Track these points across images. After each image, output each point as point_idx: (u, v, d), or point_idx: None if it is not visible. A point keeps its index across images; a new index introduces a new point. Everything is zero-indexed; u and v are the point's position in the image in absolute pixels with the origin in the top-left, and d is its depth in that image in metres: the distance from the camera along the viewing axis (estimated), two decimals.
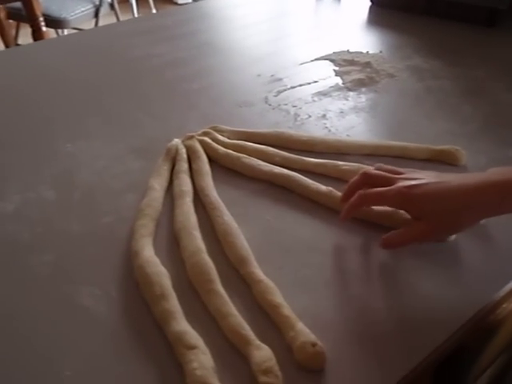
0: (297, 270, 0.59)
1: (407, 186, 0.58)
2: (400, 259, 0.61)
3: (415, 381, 0.50)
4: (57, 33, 2.99)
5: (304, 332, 0.50)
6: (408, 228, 0.60)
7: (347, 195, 0.63)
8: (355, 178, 0.63)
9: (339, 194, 0.68)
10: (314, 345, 0.49)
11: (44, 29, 2.38)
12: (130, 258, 0.60)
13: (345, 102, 0.95)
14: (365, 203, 0.62)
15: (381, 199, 0.61)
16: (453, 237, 0.63)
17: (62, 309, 0.55)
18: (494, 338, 0.58)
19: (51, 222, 0.67)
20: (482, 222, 0.64)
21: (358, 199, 0.61)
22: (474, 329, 0.55)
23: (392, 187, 0.59)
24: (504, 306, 0.57)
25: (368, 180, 0.63)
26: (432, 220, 0.57)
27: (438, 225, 0.58)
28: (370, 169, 0.65)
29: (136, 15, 3.53)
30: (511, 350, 0.54)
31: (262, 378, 0.46)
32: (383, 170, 0.63)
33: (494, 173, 0.56)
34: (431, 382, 0.61)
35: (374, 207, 0.65)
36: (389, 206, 0.63)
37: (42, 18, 2.35)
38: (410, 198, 0.58)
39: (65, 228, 0.66)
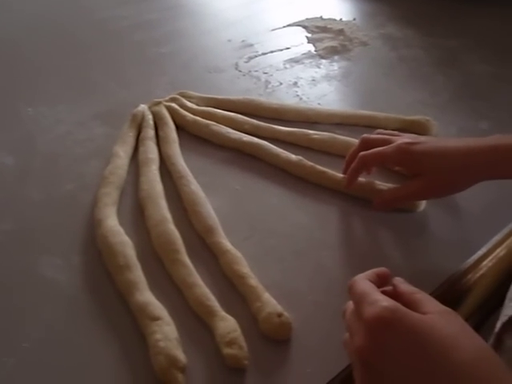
0: (264, 240, 0.58)
1: (407, 142, 0.58)
2: (369, 230, 0.61)
3: None
4: None
5: (270, 302, 0.50)
6: (404, 184, 0.60)
7: (348, 164, 0.63)
8: (354, 163, 0.62)
9: (309, 163, 0.67)
10: (279, 315, 0.48)
11: None
12: (93, 227, 0.58)
13: (317, 69, 0.94)
14: (365, 164, 0.61)
15: (380, 157, 0.60)
16: (422, 206, 0.63)
17: (22, 279, 0.54)
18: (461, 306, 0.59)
19: (10, 189, 0.65)
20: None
21: (359, 161, 0.60)
22: (442, 298, 0.55)
23: (391, 144, 0.59)
24: (469, 276, 0.57)
25: (367, 145, 0.62)
26: (429, 177, 0.57)
27: (435, 182, 0.57)
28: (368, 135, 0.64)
29: None
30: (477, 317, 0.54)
31: (226, 350, 0.46)
32: (383, 134, 0.63)
33: (494, 138, 0.55)
34: None
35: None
36: (388, 163, 0.64)
37: None
38: (409, 153, 0.57)
39: (24, 195, 0.64)
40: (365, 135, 0.63)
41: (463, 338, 0.35)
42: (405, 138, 0.60)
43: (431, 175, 0.57)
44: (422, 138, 0.59)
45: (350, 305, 0.42)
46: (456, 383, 0.33)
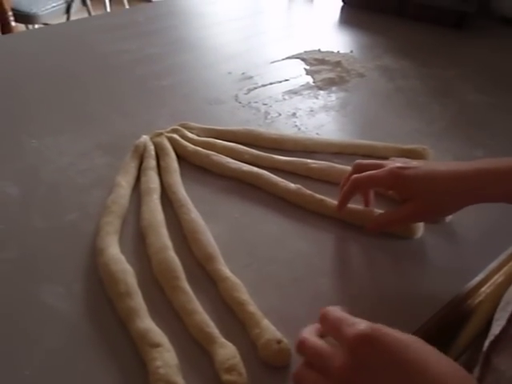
0: (263, 267, 0.59)
1: (398, 167, 0.59)
2: (367, 257, 0.62)
3: None
4: (27, 28, 2.93)
5: (269, 329, 0.50)
6: (396, 209, 0.61)
7: (342, 203, 0.64)
8: (346, 186, 0.63)
9: (308, 192, 0.68)
10: (279, 342, 0.49)
11: (13, 24, 2.33)
12: (95, 255, 0.59)
13: (315, 100, 0.96)
14: (357, 187, 0.62)
15: (372, 180, 0.61)
16: (420, 233, 0.64)
17: (24, 307, 0.54)
18: (463, 330, 0.59)
19: (14, 218, 0.66)
20: (448, 219, 0.66)
21: (351, 184, 0.61)
22: (440, 324, 0.56)
23: (383, 168, 0.60)
24: (468, 302, 0.58)
25: (360, 169, 0.63)
26: (420, 201, 0.58)
27: (426, 206, 0.58)
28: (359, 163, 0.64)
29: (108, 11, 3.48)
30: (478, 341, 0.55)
31: (225, 376, 0.46)
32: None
33: (481, 161, 0.57)
34: None
35: (348, 205, 0.65)
36: (380, 186, 0.64)
37: (11, 13, 2.30)
38: (401, 177, 0.58)
39: (28, 224, 0.65)
40: (358, 161, 0.64)
41: (435, 356, 0.38)
42: (396, 163, 0.61)
43: (421, 199, 0.58)
44: (413, 163, 0.60)
45: (310, 338, 0.43)
46: None
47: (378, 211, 0.65)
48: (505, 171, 0.54)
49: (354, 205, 0.65)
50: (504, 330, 0.48)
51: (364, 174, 0.61)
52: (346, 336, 0.39)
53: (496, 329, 0.49)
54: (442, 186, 0.57)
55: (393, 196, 0.68)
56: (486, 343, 0.49)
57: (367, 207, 0.65)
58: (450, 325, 0.57)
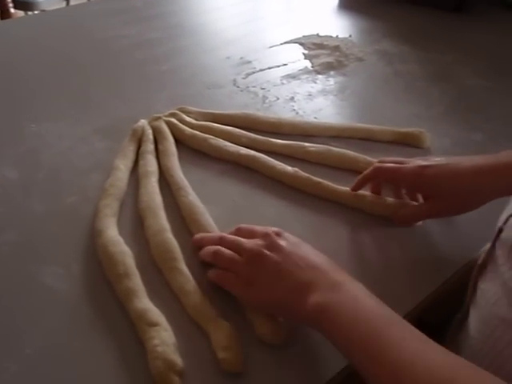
0: None
1: (421, 166, 0.59)
2: (365, 239, 0.63)
3: None
4: (26, 14, 2.92)
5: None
6: (420, 205, 0.63)
7: (358, 185, 0.66)
8: (368, 170, 0.64)
9: (305, 174, 0.69)
10: (274, 319, 0.49)
11: (12, 10, 2.33)
12: (94, 237, 0.60)
13: (313, 84, 0.96)
14: (379, 176, 0.64)
15: (395, 174, 0.62)
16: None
17: (24, 288, 0.55)
18: None
19: (14, 201, 0.66)
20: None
21: (373, 170, 0.63)
22: (433, 307, 0.56)
23: (407, 165, 0.61)
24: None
25: (380, 174, 0.64)
26: (442, 198, 0.59)
27: (448, 203, 0.59)
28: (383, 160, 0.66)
29: None
30: None
31: (222, 354, 0.47)
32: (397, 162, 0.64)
33: (502, 155, 0.56)
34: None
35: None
36: (401, 183, 0.65)
37: (10, 0, 2.30)
38: (422, 176, 0.59)
39: (28, 207, 0.65)
40: (378, 164, 0.64)
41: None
42: (418, 161, 0.61)
43: (443, 197, 0.59)
44: (436, 159, 0.61)
45: (223, 249, 0.53)
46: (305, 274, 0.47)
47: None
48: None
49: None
50: (489, 255, 0.51)
51: (389, 165, 0.63)
52: (265, 231, 0.52)
53: (482, 255, 0.52)
54: (467, 184, 0.57)
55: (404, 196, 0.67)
56: (475, 269, 0.52)
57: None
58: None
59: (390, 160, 0.64)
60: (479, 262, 0.52)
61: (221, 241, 0.55)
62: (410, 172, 0.60)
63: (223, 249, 0.53)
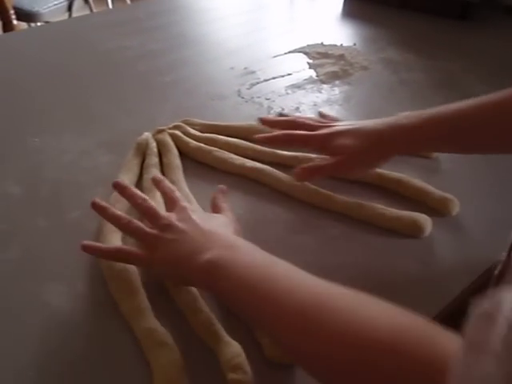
0: None
1: (330, 133, 0.66)
2: (372, 253, 0.61)
3: None
4: (29, 26, 2.93)
5: None
6: (325, 160, 0.66)
7: (270, 124, 0.73)
8: (283, 118, 0.75)
9: (313, 186, 0.68)
10: None
11: (15, 22, 2.33)
12: None
13: (318, 94, 0.95)
14: (289, 140, 0.69)
15: (306, 142, 0.68)
16: (427, 231, 0.63)
17: (27, 306, 0.54)
18: None
19: (16, 217, 0.66)
20: (454, 213, 0.65)
21: (286, 136, 0.68)
22: (448, 318, 0.55)
23: (317, 133, 0.67)
24: None
25: (295, 125, 0.70)
26: (347, 156, 0.64)
27: (352, 160, 0.64)
28: (298, 116, 0.76)
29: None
30: None
31: (231, 375, 0.46)
32: (312, 120, 0.72)
33: (402, 116, 0.64)
34: None
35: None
36: (311, 147, 0.69)
37: (12, 11, 2.30)
38: (332, 142, 0.65)
39: (31, 224, 0.64)
40: (294, 117, 0.74)
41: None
42: (326, 128, 0.67)
43: (349, 155, 0.64)
44: (342, 126, 0.67)
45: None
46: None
47: (383, 208, 0.65)
48: (413, 127, 0.62)
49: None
50: (505, 265, 0.51)
51: (300, 133, 0.68)
52: (178, 205, 0.56)
53: (499, 265, 0.53)
54: (369, 142, 0.63)
55: None
56: (492, 279, 0.53)
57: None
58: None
59: (302, 123, 0.70)
60: (496, 272, 0.51)
61: (141, 202, 0.56)
62: (320, 138, 0.66)
63: (134, 221, 0.55)
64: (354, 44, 1.15)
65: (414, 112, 0.63)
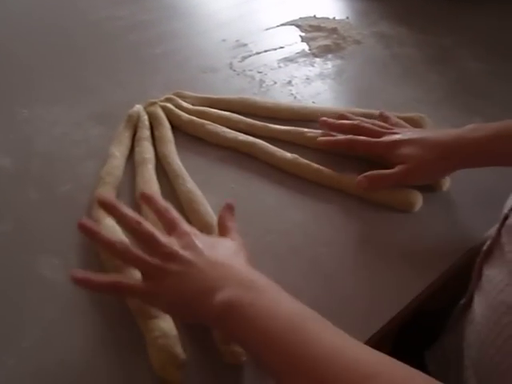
0: (261, 237, 0.59)
1: (393, 142, 0.65)
2: (366, 226, 0.62)
3: (376, 345, 0.51)
4: None
5: None
6: (388, 170, 0.64)
7: (333, 127, 0.71)
8: (347, 122, 0.70)
9: (305, 161, 0.68)
10: None
11: None
12: None
13: (311, 68, 0.94)
14: (353, 146, 0.68)
15: (369, 150, 0.67)
16: (418, 206, 0.64)
17: (20, 279, 0.54)
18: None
19: (7, 190, 0.65)
20: (445, 189, 0.66)
21: (349, 142, 0.67)
22: (436, 294, 0.56)
23: (381, 140, 0.66)
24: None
25: (358, 130, 0.68)
26: (410, 167, 0.62)
27: (415, 170, 0.63)
28: (362, 120, 0.71)
29: None
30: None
31: (224, 346, 0.46)
32: (375, 124, 0.70)
33: (468, 129, 0.62)
34: (390, 346, 0.63)
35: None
36: (374, 155, 0.67)
37: None
38: (394, 151, 0.64)
39: (22, 196, 0.64)
40: (358, 122, 0.70)
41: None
42: (391, 135, 0.66)
43: (411, 163, 0.62)
44: (406, 134, 0.65)
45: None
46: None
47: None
48: (482, 141, 0.60)
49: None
50: (495, 241, 0.51)
51: (363, 139, 0.66)
52: (184, 229, 0.48)
53: (488, 241, 0.52)
54: (433, 153, 0.62)
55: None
56: (480, 255, 0.53)
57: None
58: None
59: (367, 128, 0.68)
60: (484, 248, 0.52)
61: (136, 226, 0.48)
62: (384, 146, 0.65)
63: (132, 248, 0.47)
64: (347, 17, 1.13)
65: (481, 125, 0.62)
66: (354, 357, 0.37)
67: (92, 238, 0.48)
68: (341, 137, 0.68)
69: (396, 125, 0.70)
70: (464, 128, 0.63)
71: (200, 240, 0.48)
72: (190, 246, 0.46)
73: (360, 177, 0.63)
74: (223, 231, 0.52)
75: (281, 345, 0.38)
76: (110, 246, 0.47)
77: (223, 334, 0.46)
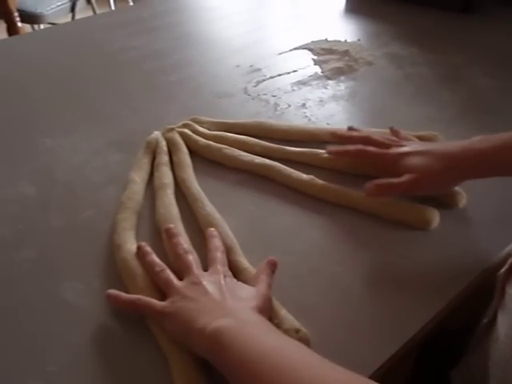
0: (280, 258, 0.59)
1: (401, 154, 0.66)
2: (383, 246, 0.62)
3: (398, 364, 0.51)
4: (33, 28, 2.94)
5: (288, 318, 0.51)
6: (396, 179, 0.64)
7: (343, 138, 0.74)
8: (357, 134, 0.73)
9: (321, 181, 0.69)
10: (297, 331, 0.49)
11: (19, 24, 2.34)
12: (113, 251, 0.60)
13: (324, 90, 0.96)
14: (362, 157, 0.70)
15: (377, 160, 0.69)
16: (435, 223, 0.64)
17: (45, 304, 0.55)
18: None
19: (32, 218, 0.67)
20: (461, 206, 0.66)
21: (358, 152, 0.69)
22: (455, 312, 0.56)
23: (389, 152, 0.67)
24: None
25: (368, 141, 0.70)
26: (417, 174, 0.63)
27: (423, 179, 0.63)
28: (372, 133, 0.73)
29: (113, 8, 3.48)
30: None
31: None
32: (384, 138, 0.71)
33: (476, 141, 0.62)
34: (412, 365, 0.62)
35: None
36: (380, 165, 0.69)
37: (16, 13, 2.32)
38: (402, 162, 0.65)
39: (46, 224, 0.66)
40: (369, 134, 0.71)
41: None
42: (399, 148, 0.67)
43: (419, 173, 0.63)
44: (413, 147, 0.66)
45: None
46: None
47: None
48: (488, 152, 0.61)
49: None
50: None
51: (372, 150, 0.68)
52: (214, 267, 0.54)
53: (510, 259, 0.53)
54: (441, 165, 0.62)
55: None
56: (502, 272, 0.53)
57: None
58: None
59: (376, 141, 0.70)
60: (506, 266, 0.52)
61: (182, 252, 0.56)
62: (392, 157, 0.66)
63: (167, 270, 0.54)
64: (358, 39, 1.15)
65: (488, 136, 0.62)
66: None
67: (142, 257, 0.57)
68: (350, 146, 0.70)
69: (405, 139, 0.71)
70: (471, 139, 0.63)
71: (226, 281, 0.52)
72: (216, 282, 0.51)
73: (368, 184, 0.64)
74: (256, 281, 0.53)
75: (252, 370, 0.40)
76: (149, 266, 0.55)
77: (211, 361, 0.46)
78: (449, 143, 0.66)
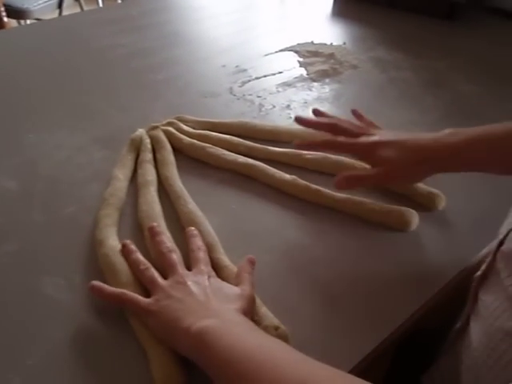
0: (261, 257, 0.60)
1: (371, 143, 0.65)
2: (363, 246, 0.63)
3: (374, 363, 0.52)
4: (19, 23, 2.92)
5: (267, 316, 0.51)
6: (367, 170, 0.65)
7: (309, 124, 0.72)
8: (325, 120, 0.72)
9: (303, 182, 0.69)
10: (276, 328, 0.50)
11: (5, 19, 2.32)
12: (94, 247, 0.60)
13: (309, 92, 0.96)
14: (330, 149, 0.70)
15: (349, 150, 0.69)
16: (414, 225, 0.65)
17: (26, 299, 0.55)
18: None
19: (13, 212, 0.67)
20: (441, 208, 0.67)
21: (327, 145, 0.68)
22: (431, 313, 0.57)
23: (360, 141, 0.66)
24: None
25: (336, 130, 0.69)
26: (387, 166, 0.63)
27: (393, 172, 0.63)
28: (339, 120, 0.72)
29: (101, 6, 3.47)
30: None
31: None
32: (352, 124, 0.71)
33: (448, 134, 0.62)
34: (389, 364, 0.63)
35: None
36: (353, 154, 0.70)
37: (3, 8, 2.30)
38: (375, 151, 0.64)
39: (27, 218, 0.65)
40: (336, 120, 0.71)
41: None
42: (371, 137, 0.66)
43: (389, 165, 0.63)
44: (383, 136, 0.65)
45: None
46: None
47: (373, 203, 0.66)
48: (460, 145, 0.60)
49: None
50: (490, 266, 0.51)
51: (342, 140, 0.67)
52: (199, 267, 0.54)
53: (483, 265, 0.52)
54: (413, 157, 0.62)
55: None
56: (475, 277, 0.53)
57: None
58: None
59: (345, 128, 0.68)
60: (479, 272, 0.52)
61: (166, 250, 0.56)
62: (363, 147, 0.65)
63: (152, 268, 0.54)
64: (344, 43, 1.17)
65: (460, 129, 0.61)
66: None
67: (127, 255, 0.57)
68: (318, 139, 0.69)
69: (370, 124, 0.72)
70: (443, 132, 0.62)
71: (211, 281, 0.52)
72: (200, 283, 0.51)
73: (337, 177, 0.63)
74: (238, 280, 0.54)
75: (236, 366, 0.41)
76: (134, 264, 0.56)
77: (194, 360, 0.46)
78: (420, 135, 0.65)
